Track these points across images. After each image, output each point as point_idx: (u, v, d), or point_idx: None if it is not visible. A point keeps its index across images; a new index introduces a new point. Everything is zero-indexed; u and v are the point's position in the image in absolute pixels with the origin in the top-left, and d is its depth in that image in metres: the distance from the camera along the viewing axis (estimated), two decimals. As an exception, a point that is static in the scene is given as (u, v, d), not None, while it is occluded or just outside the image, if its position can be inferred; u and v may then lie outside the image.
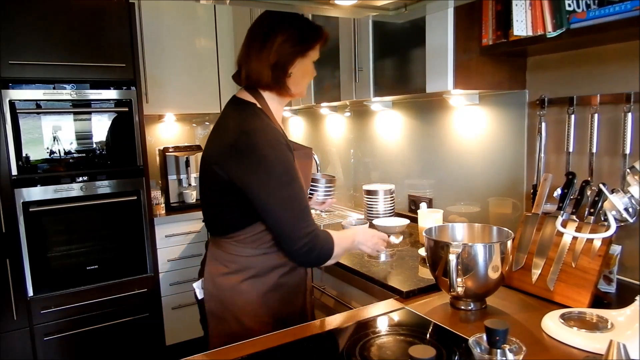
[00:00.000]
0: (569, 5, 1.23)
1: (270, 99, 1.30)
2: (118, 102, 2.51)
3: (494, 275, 1.17)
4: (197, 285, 1.37)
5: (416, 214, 1.99)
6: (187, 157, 2.99)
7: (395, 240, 1.75)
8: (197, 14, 3.11)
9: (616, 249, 1.33)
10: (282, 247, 1.23)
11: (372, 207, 2.19)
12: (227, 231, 1.28)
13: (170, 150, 3.00)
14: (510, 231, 1.27)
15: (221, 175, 1.21)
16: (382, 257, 1.67)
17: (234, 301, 1.28)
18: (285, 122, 3.46)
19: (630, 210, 1.20)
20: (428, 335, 1.08)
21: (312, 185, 1.85)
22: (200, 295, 1.36)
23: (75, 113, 2.42)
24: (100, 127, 2.49)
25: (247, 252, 1.27)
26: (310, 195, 1.81)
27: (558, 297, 1.24)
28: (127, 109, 2.53)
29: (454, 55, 1.48)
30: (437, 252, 1.20)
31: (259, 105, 1.27)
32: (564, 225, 1.31)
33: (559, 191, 1.38)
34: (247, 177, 1.17)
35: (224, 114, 1.31)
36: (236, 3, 1.45)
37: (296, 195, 1.19)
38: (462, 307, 1.23)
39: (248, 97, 1.28)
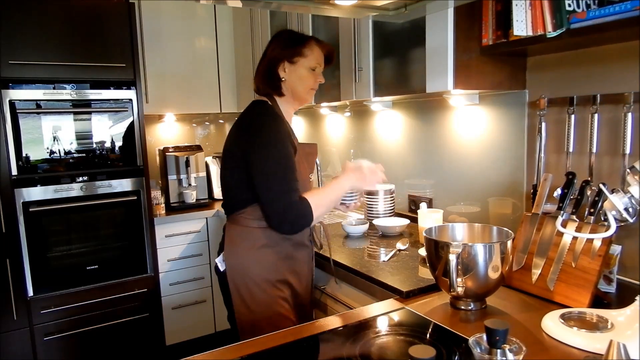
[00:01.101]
0: (569, 5, 1.23)
1: (280, 102, 1.56)
2: (118, 102, 2.51)
3: (494, 275, 1.17)
4: (219, 260, 1.54)
5: (416, 214, 1.99)
6: (187, 157, 2.98)
7: (401, 246, 1.77)
8: (197, 14, 3.11)
9: (616, 249, 1.33)
10: (265, 216, 1.42)
11: (372, 207, 2.19)
12: (239, 207, 1.49)
13: (170, 150, 2.99)
14: (510, 231, 1.27)
15: (235, 152, 1.47)
16: (383, 257, 1.64)
17: (250, 267, 1.46)
18: (285, 122, 3.46)
19: (630, 210, 1.20)
20: (428, 335, 1.08)
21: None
22: (222, 268, 1.51)
23: (75, 113, 2.42)
24: (100, 127, 2.49)
25: (256, 224, 1.47)
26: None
27: (558, 297, 1.24)
28: (127, 109, 2.53)
29: (454, 55, 1.48)
30: (437, 252, 1.20)
31: (270, 103, 1.53)
32: (564, 225, 1.31)
33: (559, 191, 1.38)
34: (251, 149, 1.40)
35: (243, 112, 1.55)
36: (235, 3, 1.45)
37: (285, 170, 1.39)
38: (462, 307, 1.23)
39: (262, 98, 1.56)
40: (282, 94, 1.53)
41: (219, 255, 1.55)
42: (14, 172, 2.28)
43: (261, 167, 1.39)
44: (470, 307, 1.23)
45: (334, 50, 1.59)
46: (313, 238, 1.64)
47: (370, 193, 2.18)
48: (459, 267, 1.16)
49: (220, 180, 1.59)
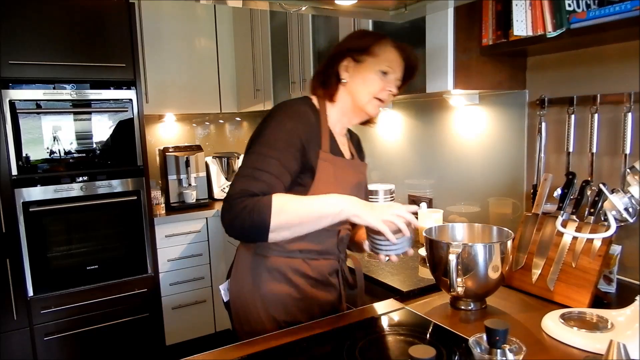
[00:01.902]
0: (569, 5, 1.23)
1: (331, 107, 1.26)
2: (118, 102, 2.51)
3: (494, 275, 1.17)
4: (222, 287, 1.32)
5: (416, 214, 1.99)
6: (187, 157, 2.98)
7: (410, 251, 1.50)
8: (197, 14, 3.11)
9: (616, 249, 1.33)
10: None
11: (372, 207, 2.19)
12: None
13: (170, 150, 3.00)
14: (510, 231, 1.27)
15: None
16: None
17: (257, 303, 1.22)
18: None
19: (630, 210, 1.20)
20: (428, 335, 1.08)
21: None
22: (225, 298, 1.30)
23: (75, 113, 2.42)
24: (100, 127, 2.49)
25: (270, 252, 1.21)
26: None
27: (558, 297, 1.24)
28: (127, 109, 2.53)
29: (454, 55, 1.48)
30: (437, 252, 1.20)
31: (314, 102, 1.25)
32: (564, 225, 1.31)
33: (559, 191, 1.38)
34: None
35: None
36: (235, 3, 1.45)
37: (262, 157, 1.10)
38: (462, 307, 1.23)
39: (312, 98, 1.27)
40: (332, 98, 1.24)
41: (224, 280, 1.33)
42: (14, 172, 2.28)
43: (246, 150, 1.17)
44: (470, 307, 1.23)
45: (418, 59, 1.29)
46: (344, 275, 1.34)
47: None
48: (459, 267, 1.16)
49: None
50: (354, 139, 1.43)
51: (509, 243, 1.20)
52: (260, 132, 1.15)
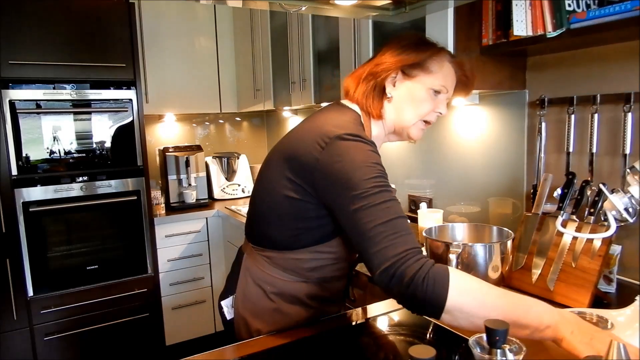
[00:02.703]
0: (569, 5, 1.23)
1: (373, 126, 1.11)
2: (118, 102, 2.51)
3: (494, 275, 1.17)
4: (225, 304, 1.18)
5: (416, 214, 1.99)
6: (187, 157, 2.98)
7: None
8: (197, 14, 3.11)
9: (616, 249, 1.33)
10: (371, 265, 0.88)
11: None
12: (292, 244, 1.05)
13: (170, 150, 3.00)
14: (510, 231, 1.27)
15: (291, 177, 0.99)
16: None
17: (263, 325, 1.12)
18: (285, 123, 3.46)
19: (630, 210, 1.20)
20: (428, 335, 1.08)
21: None
22: (229, 316, 1.16)
23: (75, 113, 2.42)
24: (100, 127, 2.49)
25: (282, 275, 1.10)
26: None
27: (558, 297, 1.24)
28: (127, 109, 2.53)
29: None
30: (437, 252, 1.20)
31: (360, 114, 1.08)
32: (564, 225, 1.31)
33: (559, 191, 1.38)
34: (329, 189, 0.94)
35: (316, 113, 1.10)
36: (235, 3, 1.45)
37: (393, 210, 0.89)
38: None
39: (351, 105, 1.10)
40: (380, 115, 1.08)
41: (226, 296, 1.18)
42: (14, 172, 2.28)
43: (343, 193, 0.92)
44: None
45: (475, 76, 1.15)
46: (348, 290, 1.25)
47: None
48: (459, 267, 1.15)
49: (256, 197, 1.13)
50: None
51: (509, 243, 1.20)
52: (363, 180, 0.90)
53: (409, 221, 0.96)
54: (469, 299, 0.82)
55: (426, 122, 1.11)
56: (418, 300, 0.83)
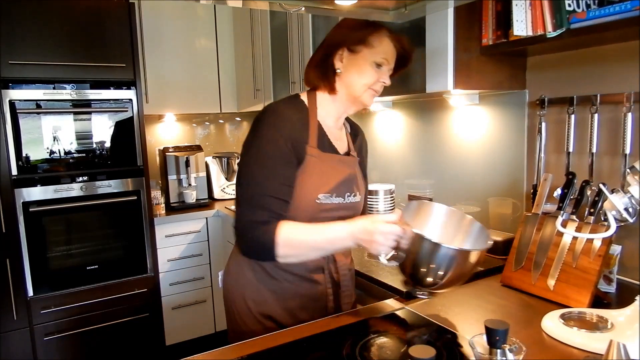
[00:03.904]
0: (569, 5, 1.23)
1: (323, 99, 1.25)
2: (118, 102, 2.51)
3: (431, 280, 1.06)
4: (220, 273, 1.40)
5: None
6: (187, 157, 2.98)
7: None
8: (197, 14, 3.11)
9: (616, 249, 1.33)
10: None
11: (372, 207, 2.19)
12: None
13: (170, 150, 3.00)
14: (489, 237, 1.13)
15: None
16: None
17: (238, 293, 1.28)
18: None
19: (630, 210, 1.20)
20: (428, 335, 1.08)
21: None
22: (220, 284, 1.38)
23: (75, 113, 2.42)
24: (100, 127, 2.49)
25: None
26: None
27: (558, 297, 1.24)
28: (127, 109, 2.53)
29: (454, 55, 1.48)
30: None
31: (303, 98, 1.25)
32: (564, 225, 1.31)
33: (559, 191, 1.38)
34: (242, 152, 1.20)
35: None
36: (235, 3, 1.45)
37: (256, 180, 1.14)
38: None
39: (301, 94, 1.27)
40: (333, 89, 1.23)
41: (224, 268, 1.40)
42: (14, 172, 2.28)
43: (238, 171, 1.20)
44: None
45: (413, 49, 1.26)
46: (331, 273, 1.29)
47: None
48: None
49: None
50: (355, 133, 1.40)
51: (473, 254, 1.05)
52: (249, 146, 1.17)
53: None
54: (290, 249, 1.12)
55: (375, 90, 1.24)
56: (258, 258, 1.19)
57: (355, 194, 1.28)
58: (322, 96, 1.25)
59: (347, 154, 1.31)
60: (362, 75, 1.19)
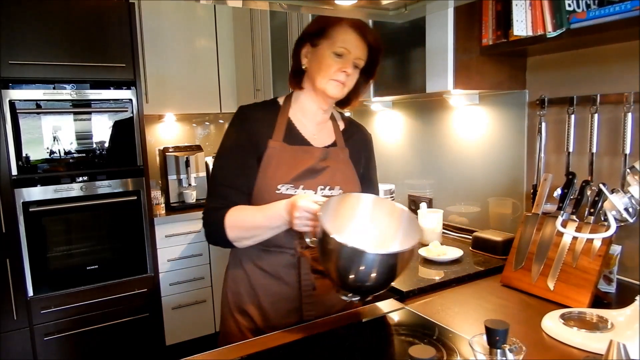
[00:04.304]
0: (569, 5, 1.23)
1: (297, 96, 1.30)
2: (118, 102, 2.51)
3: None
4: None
5: (416, 214, 1.99)
6: (187, 157, 2.98)
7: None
8: (197, 14, 3.11)
9: (616, 249, 1.33)
10: None
11: (372, 207, 2.19)
12: None
13: (170, 150, 3.00)
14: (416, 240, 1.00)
15: None
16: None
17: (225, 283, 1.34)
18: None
19: (630, 210, 1.20)
20: (428, 335, 1.08)
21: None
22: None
23: (75, 113, 2.42)
24: (100, 127, 2.49)
25: None
26: None
27: (558, 297, 1.24)
28: (127, 109, 2.53)
29: (454, 55, 1.48)
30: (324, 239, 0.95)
31: (279, 100, 1.31)
32: (564, 225, 1.31)
33: (559, 191, 1.39)
34: None
35: None
36: (235, 3, 1.45)
37: (215, 172, 1.23)
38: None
39: (279, 97, 1.33)
40: (300, 86, 1.27)
41: None
42: (14, 172, 2.28)
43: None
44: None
45: (378, 39, 1.24)
46: (303, 271, 1.22)
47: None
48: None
49: None
50: (351, 133, 1.36)
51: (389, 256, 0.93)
52: (221, 142, 1.26)
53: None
54: (237, 232, 1.15)
55: (338, 81, 1.22)
56: (218, 243, 1.20)
57: (332, 188, 1.23)
58: (296, 94, 1.30)
59: (330, 147, 1.28)
60: (322, 66, 1.20)
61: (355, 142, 1.36)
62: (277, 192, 1.17)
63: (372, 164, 1.41)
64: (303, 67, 1.25)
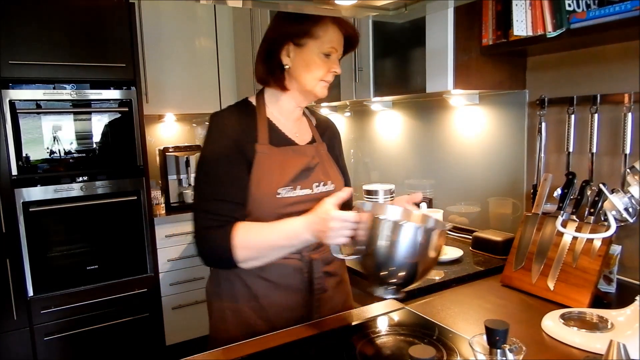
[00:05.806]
0: (569, 5, 1.23)
1: (272, 95, 1.23)
2: (118, 102, 2.51)
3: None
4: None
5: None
6: (187, 157, 2.98)
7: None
8: (197, 14, 3.11)
9: (616, 249, 1.33)
10: None
11: (372, 207, 2.19)
12: None
13: (170, 150, 2.99)
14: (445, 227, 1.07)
15: None
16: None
17: (223, 306, 1.23)
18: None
19: (630, 210, 1.20)
20: (428, 335, 1.08)
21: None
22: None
23: (75, 113, 2.42)
24: (100, 127, 2.49)
25: None
26: None
27: (558, 297, 1.24)
28: (127, 109, 2.53)
29: (454, 55, 1.48)
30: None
31: (251, 100, 1.25)
32: (564, 225, 1.31)
33: (559, 191, 1.38)
34: None
35: None
36: (235, 3, 1.45)
37: (201, 187, 1.13)
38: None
39: (250, 97, 1.26)
40: (284, 87, 1.20)
41: None
42: (14, 172, 2.28)
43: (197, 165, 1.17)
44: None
45: (358, 34, 1.23)
46: (311, 277, 1.20)
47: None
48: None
49: None
50: (324, 128, 1.35)
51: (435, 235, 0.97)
52: (201, 155, 1.15)
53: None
54: (248, 252, 1.07)
55: (327, 81, 1.20)
56: (219, 265, 1.17)
57: (325, 183, 1.22)
58: (271, 93, 1.24)
59: (311, 143, 1.27)
60: (312, 68, 1.16)
61: (329, 136, 1.35)
62: (278, 196, 1.13)
63: (342, 156, 1.41)
64: (285, 66, 1.18)
